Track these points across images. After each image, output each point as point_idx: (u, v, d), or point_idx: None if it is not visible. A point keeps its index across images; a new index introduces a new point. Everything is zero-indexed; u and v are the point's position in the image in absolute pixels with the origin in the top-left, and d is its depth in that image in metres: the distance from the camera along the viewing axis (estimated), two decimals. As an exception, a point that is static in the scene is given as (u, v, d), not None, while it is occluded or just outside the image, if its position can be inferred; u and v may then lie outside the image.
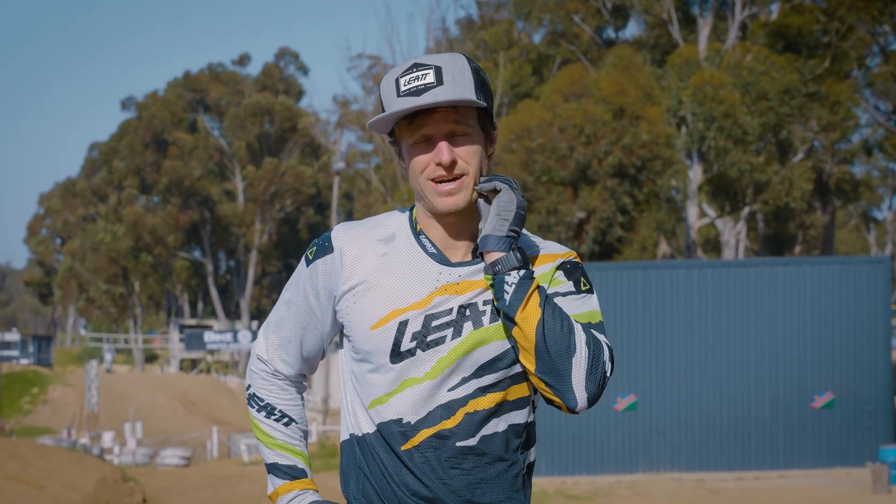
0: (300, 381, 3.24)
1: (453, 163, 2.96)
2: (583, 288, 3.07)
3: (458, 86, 2.95)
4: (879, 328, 26.15)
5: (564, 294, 3.04)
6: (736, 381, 26.12)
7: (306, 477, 3.18)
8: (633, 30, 49.80)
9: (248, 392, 3.25)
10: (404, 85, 2.96)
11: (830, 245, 49.54)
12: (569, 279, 3.07)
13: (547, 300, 2.93)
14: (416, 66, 2.95)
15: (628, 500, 23.08)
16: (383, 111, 3.02)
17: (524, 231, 3.14)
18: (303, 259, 3.16)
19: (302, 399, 3.26)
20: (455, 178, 2.98)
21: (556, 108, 36.66)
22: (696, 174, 39.92)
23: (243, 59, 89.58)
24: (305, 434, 3.23)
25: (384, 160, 55.16)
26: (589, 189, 35.14)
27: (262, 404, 3.21)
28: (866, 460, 24.80)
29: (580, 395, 2.93)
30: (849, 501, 21.24)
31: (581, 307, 3.05)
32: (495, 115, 41.25)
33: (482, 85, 3.01)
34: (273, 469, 3.18)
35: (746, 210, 42.96)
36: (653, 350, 26.35)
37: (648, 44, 46.07)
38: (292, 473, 3.16)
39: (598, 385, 2.93)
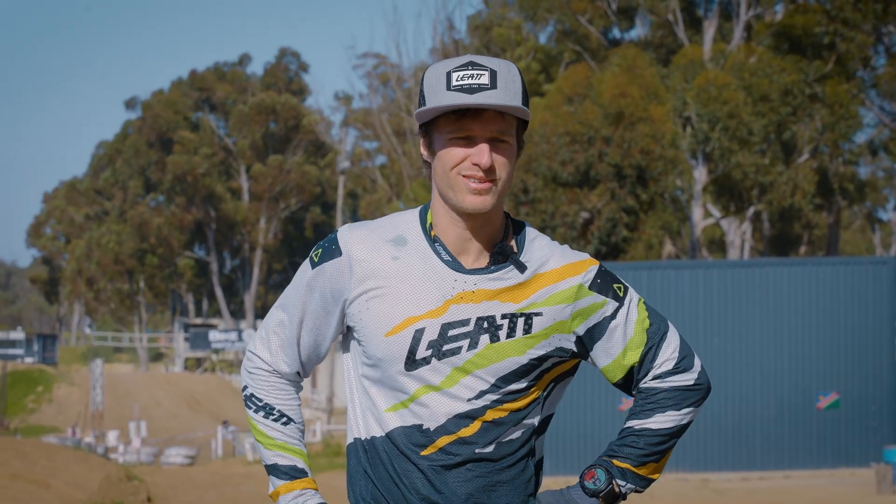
0: (298, 381, 3.20)
1: (491, 167, 2.96)
2: (621, 294, 3.08)
3: (510, 93, 2.94)
4: (884, 329, 26.12)
5: (613, 314, 3.06)
6: (741, 382, 26.10)
7: (307, 476, 3.13)
8: (639, 30, 49.80)
9: (245, 393, 3.19)
10: (457, 80, 2.93)
11: (835, 246, 49.51)
12: (607, 295, 3.07)
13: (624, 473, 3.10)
14: (472, 65, 2.94)
15: (632, 499, 23.09)
16: (422, 100, 2.99)
17: (535, 232, 3.15)
18: (307, 261, 3.11)
19: (299, 397, 3.22)
20: (487, 182, 2.97)
21: (557, 110, 36.68)
22: (700, 174, 39.90)
23: (243, 60, 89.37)
24: (303, 432, 3.18)
25: (390, 159, 55.17)
26: (586, 191, 35.19)
27: (260, 404, 3.15)
28: (871, 461, 24.76)
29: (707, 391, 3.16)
30: (853, 502, 21.22)
31: (633, 319, 3.10)
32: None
33: (527, 98, 3.02)
34: (273, 470, 3.13)
35: (751, 210, 42.94)
36: (657, 350, 26.34)
37: (654, 44, 46.07)
38: (292, 473, 3.12)
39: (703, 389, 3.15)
